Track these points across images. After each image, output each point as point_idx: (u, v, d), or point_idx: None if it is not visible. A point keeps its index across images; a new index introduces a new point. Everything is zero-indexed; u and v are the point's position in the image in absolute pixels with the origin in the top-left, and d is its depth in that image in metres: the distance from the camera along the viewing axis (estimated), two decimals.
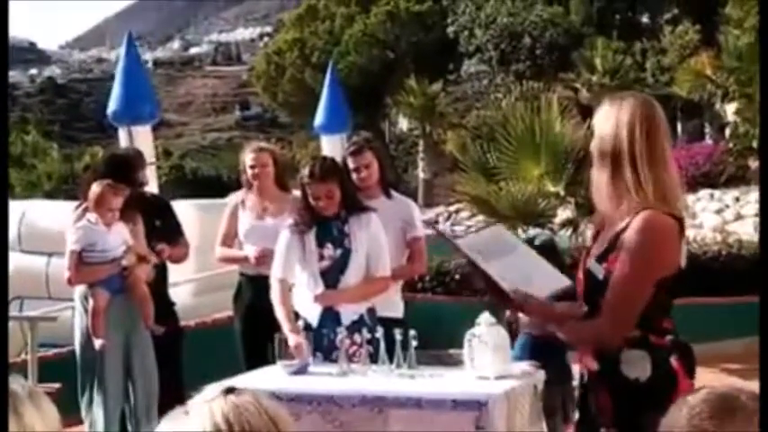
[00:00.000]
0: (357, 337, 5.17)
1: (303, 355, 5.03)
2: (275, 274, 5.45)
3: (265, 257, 6.21)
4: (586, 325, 3.40)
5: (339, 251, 5.37)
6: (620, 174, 3.30)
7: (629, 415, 3.32)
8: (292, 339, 5.11)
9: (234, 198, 6.99)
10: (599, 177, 3.38)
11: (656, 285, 3.28)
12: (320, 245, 5.37)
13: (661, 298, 3.32)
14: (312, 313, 5.34)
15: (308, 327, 5.31)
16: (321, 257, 5.37)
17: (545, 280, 3.63)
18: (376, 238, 5.42)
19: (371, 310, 5.43)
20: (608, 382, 3.38)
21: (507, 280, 3.55)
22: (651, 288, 3.27)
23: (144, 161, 6.84)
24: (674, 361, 3.31)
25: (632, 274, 3.26)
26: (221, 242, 6.79)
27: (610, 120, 3.36)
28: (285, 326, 5.24)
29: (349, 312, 5.33)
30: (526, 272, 3.65)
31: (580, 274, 3.47)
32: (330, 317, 5.30)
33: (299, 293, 5.44)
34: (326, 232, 5.39)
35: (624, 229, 3.29)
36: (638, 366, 3.30)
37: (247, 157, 6.71)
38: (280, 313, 5.32)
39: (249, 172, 6.68)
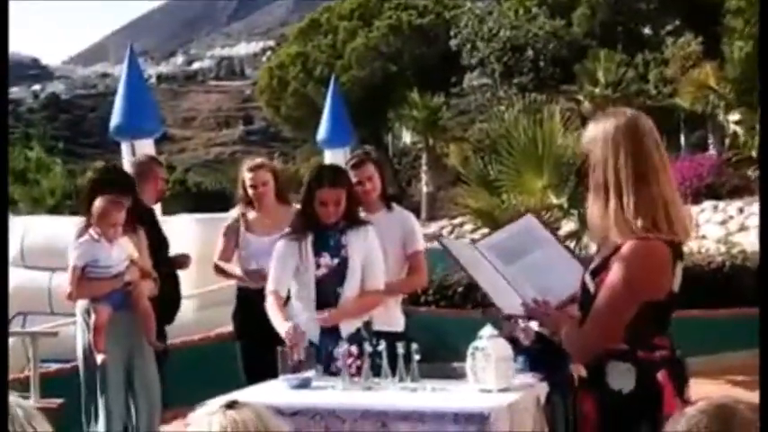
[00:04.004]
0: (354, 350, 5.18)
1: (299, 341, 4.96)
2: (269, 286, 5.43)
3: (256, 274, 6.23)
4: (572, 334, 3.45)
5: (336, 260, 5.35)
6: (608, 203, 3.30)
7: (610, 425, 3.35)
8: (284, 327, 5.06)
9: (233, 213, 6.99)
10: (592, 209, 3.39)
11: (642, 308, 3.30)
12: (316, 254, 5.36)
13: (651, 318, 3.33)
14: (310, 329, 5.32)
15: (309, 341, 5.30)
16: (318, 266, 5.36)
17: (565, 280, 3.63)
18: (372, 251, 5.42)
19: (368, 324, 5.42)
20: (593, 390, 3.42)
21: (520, 288, 3.59)
22: (632, 312, 3.30)
23: (149, 169, 6.89)
24: (660, 376, 3.31)
25: (611, 303, 3.30)
26: (219, 257, 6.80)
27: (597, 145, 3.36)
28: (277, 320, 5.19)
29: (348, 326, 5.33)
30: (546, 273, 3.67)
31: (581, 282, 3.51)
32: (327, 330, 5.29)
33: (294, 306, 5.41)
34: (324, 242, 5.37)
35: (615, 252, 3.31)
36: (622, 378, 3.32)
37: (246, 176, 6.71)
38: (274, 314, 5.27)
39: (251, 191, 6.69)
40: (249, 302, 6.43)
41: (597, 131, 3.38)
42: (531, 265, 3.70)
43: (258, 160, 7.07)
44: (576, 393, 3.56)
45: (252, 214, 6.73)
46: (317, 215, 5.35)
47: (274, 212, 6.61)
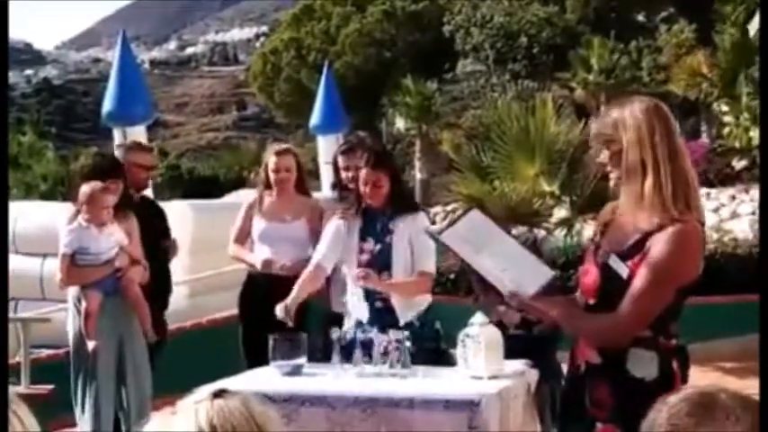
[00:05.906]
0: (393, 336, 5.19)
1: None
2: (313, 259, 5.49)
3: (273, 263, 6.24)
4: (596, 319, 3.38)
5: (378, 246, 5.37)
6: (644, 183, 3.26)
7: (630, 413, 3.30)
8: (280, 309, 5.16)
9: (250, 196, 6.92)
10: (628, 193, 3.31)
11: (677, 292, 3.29)
12: (362, 239, 5.39)
13: (677, 303, 3.31)
14: (359, 310, 5.36)
15: (359, 323, 5.34)
16: (361, 251, 5.39)
17: (530, 272, 3.58)
18: (420, 235, 5.29)
19: (422, 312, 5.45)
20: (609, 377, 3.35)
21: (501, 278, 3.54)
22: (671, 296, 3.28)
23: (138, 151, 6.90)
24: (675, 364, 3.31)
25: (655, 286, 3.24)
26: (235, 239, 6.72)
27: (628, 127, 3.30)
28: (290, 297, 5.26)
29: (404, 312, 5.34)
30: (510, 266, 3.61)
31: (591, 267, 3.45)
32: (383, 315, 5.31)
33: (348, 291, 5.47)
34: (370, 227, 5.41)
35: (651, 233, 3.26)
36: (646, 366, 3.27)
37: (270, 160, 6.62)
38: (295, 288, 5.33)
39: (273, 175, 6.61)
40: (256, 285, 6.44)
41: (624, 115, 3.32)
42: (496, 255, 3.63)
43: (285, 145, 7.01)
44: (587, 379, 3.47)
45: (268, 199, 6.66)
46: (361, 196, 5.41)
47: (292, 200, 6.57)
